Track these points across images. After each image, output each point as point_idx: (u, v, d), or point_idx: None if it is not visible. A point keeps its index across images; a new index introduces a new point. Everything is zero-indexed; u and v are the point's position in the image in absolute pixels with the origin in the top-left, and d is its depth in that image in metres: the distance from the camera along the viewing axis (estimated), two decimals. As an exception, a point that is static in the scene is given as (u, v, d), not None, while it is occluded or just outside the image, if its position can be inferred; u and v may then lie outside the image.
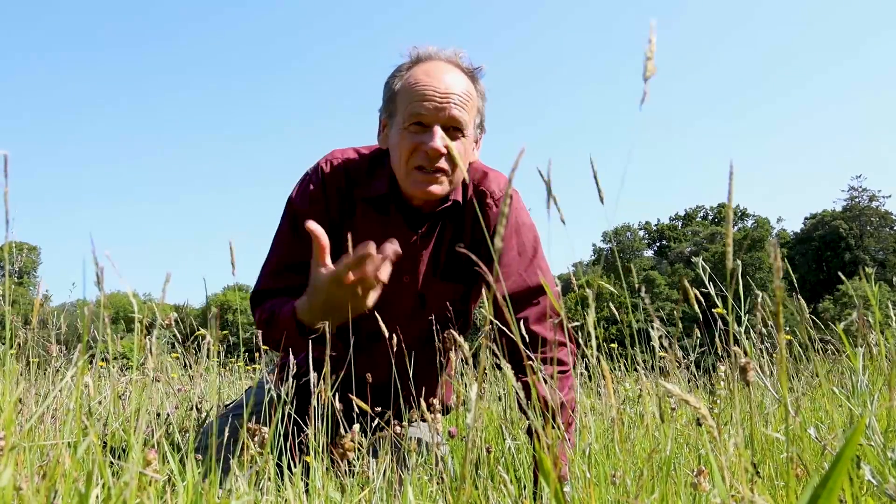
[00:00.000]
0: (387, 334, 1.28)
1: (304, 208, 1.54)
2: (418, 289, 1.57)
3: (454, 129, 1.44)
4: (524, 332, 1.52)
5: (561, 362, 1.53)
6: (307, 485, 1.07)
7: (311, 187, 1.56)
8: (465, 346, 0.99)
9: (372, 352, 1.55)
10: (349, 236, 1.56)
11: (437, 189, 1.47)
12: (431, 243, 1.57)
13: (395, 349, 1.39)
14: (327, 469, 1.14)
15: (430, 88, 1.42)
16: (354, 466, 1.20)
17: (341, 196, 1.56)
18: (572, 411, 1.47)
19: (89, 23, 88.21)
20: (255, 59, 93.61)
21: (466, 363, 1.68)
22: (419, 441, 1.47)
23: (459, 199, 1.55)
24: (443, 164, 1.44)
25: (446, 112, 1.42)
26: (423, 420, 1.23)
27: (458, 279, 1.59)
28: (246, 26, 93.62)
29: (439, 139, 1.40)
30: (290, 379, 1.15)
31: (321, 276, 1.24)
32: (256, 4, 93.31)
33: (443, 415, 1.68)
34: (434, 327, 1.54)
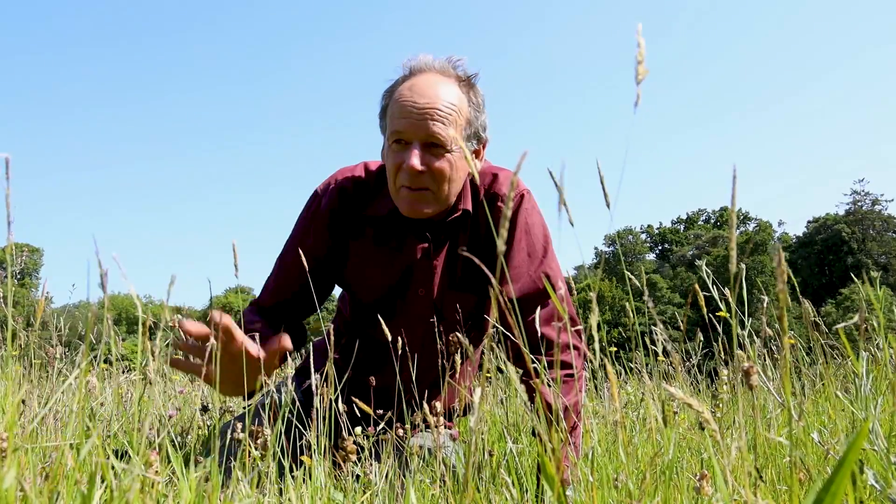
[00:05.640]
0: (383, 343, 1.28)
1: (304, 232, 1.55)
2: (434, 301, 1.56)
3: (435, 146, 1.39)
4: (533, 333, 1.51)
5: (569, 365, 1.51)
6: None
7: (316, 210, 1.55)
8: (470, 348, 0.99)
9: (388, 364, 1.55)
10: (352, 254, 1.57)
11: (424, 208, 1.43)
12: (444, 254, 1.55)
13: (414, 365, 1.39)
14: (329, 472, 1.14)
15: (410, 104, 1.38)
16: (357, 467, 1.20)
17: (348, 217, 1.55)
18: (577, 415, 1.45)
19: (93, 25, 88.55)
20: (259, 60, 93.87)
21: (479, 367, 1.68)
22: (421, 447, 1.47)
23: (469, 207, 1.52)
24: (425, 181, 1.40)
25: (424, 129, 1.37)
26: (430, 426, 1.23)
27: (474, 289, 1.57)
28: (250, 27, 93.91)
29: (415, 158, 1.36)
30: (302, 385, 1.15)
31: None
32: (262, 6, 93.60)
33: (448, 419, 1.68)
34: (444, 338, 1.52)
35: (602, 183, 0.64)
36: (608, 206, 0.65)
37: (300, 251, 1.36)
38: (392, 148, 1.41)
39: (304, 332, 1.63)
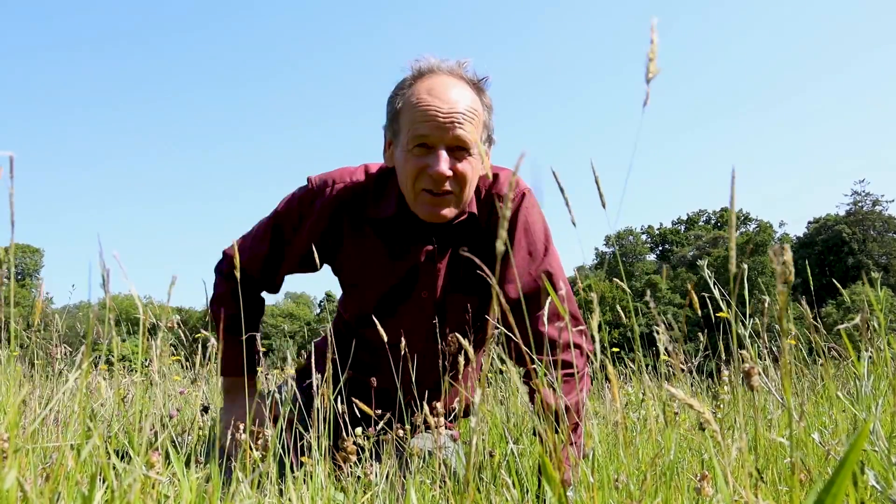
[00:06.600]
0: (386, 350, 1.28)
1: (294, 224, 1.56)
2: (437, 303, 1.56)
3: (460, 150, 1.39)
4: (534, 333, 1.51)
5: (570, 365, 1.51)
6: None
7: (310, 205, 1.55)
8: (471, 349, 0.99)
9: (389, 365, 1.55)
10: (350, 257, 1.58)
11: (446, 211, 1.43)
12: (447, 257, 1.55)
13: (415, 366, 1.39)
14: (329, 473, 1.14)
15: (433, 108, 1.36)
16: (357, 469, 1.20)
17: (347, 219, 1.54)
18: (578, 415, 1.45)
19: (94, 24, 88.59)
20: (259, 60, 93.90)
21: (481, 368, 1.68)
22: (422, 448, 1.46)
23: (475, 210, 1.52)
24: (449, 186, 1.40)
25: (451, 133, 1.36)
26: (431, 427, 1.23)
27: (476, 290, 1.57)
28: (250, 27, 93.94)
29: (444, 163, 1.36)
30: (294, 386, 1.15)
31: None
32: (262, 6, 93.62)
33: (451, 420, 1.68)
34: (448, 340, 1.52)
35: (597, 184, 0.64)
36: (604, 206, 0.65)
37: (283, 239, 1.38)
38: (413, 152, 1.39)
39: (262, 306, 1.72)
